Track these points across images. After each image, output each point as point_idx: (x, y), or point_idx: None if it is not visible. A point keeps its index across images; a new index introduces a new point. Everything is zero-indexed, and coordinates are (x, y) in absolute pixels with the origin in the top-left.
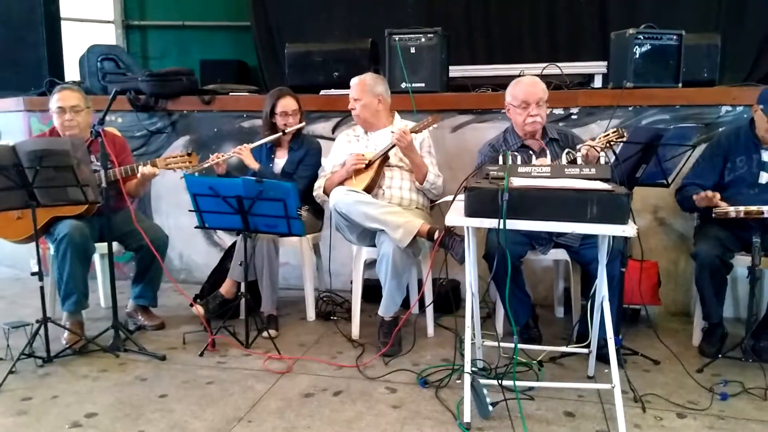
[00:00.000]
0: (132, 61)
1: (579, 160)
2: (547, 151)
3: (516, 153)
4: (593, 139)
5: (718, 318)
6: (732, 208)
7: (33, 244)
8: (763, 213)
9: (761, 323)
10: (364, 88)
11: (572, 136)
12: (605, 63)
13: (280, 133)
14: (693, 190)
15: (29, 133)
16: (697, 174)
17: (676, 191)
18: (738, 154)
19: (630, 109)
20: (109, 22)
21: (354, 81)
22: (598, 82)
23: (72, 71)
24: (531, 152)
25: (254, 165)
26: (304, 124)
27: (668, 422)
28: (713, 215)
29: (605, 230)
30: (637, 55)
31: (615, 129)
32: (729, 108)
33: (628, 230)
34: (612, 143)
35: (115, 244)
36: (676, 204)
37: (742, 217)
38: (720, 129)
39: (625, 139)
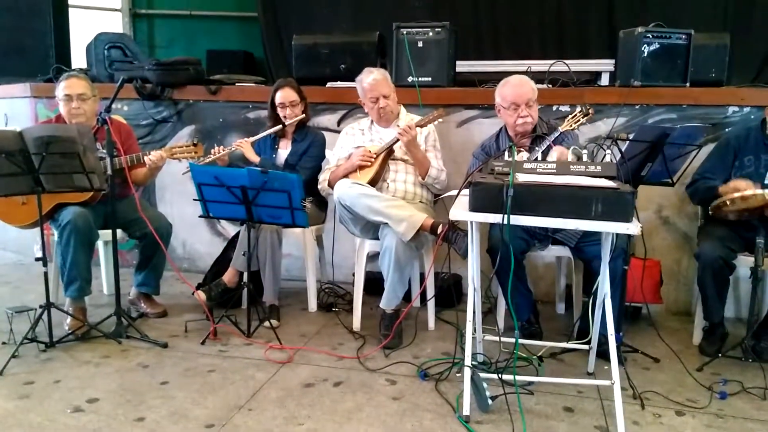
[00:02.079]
0: (139, 49)
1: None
2: (536, 151)
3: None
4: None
5: (719, 318)
6: (727, 197)
7: (37, 230)
8: (763, 198)
9: (762, 323)
10: (390, 83)
11: (555, 125)
12: (613, 61)
13: (280, 126)
14: (704, 183)
15: (35, 120)
16: (707, 169)
17: (687, 186)
18: (747, 153)
19: (637, 107)
20: (116, 10)
21: (377, 77)
22: (605, 80)
23: (79, 58)
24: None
25: (255, 158)
26: (304, 116)
27: (667, 420)
28: (709, 212)
29: (609, 228)
30: (646, 54)
31: (581, 109)
32: (736, 108)
33: (632, 228)
34: (581, 124)
35: (118, 232)
36: (681, 203)
37: (739, 206)
38: (727, 129)
39: (591, 114)
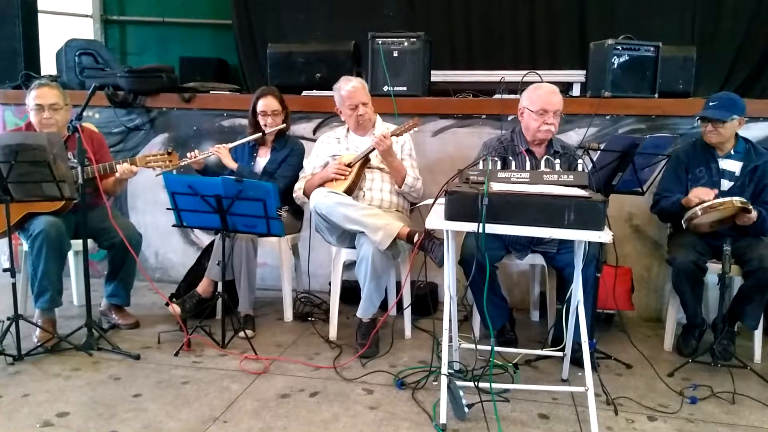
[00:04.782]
0: (111, 56)
1: None
2: (553, 162)
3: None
4: None
5: (699, 317)
6: (698, 207)
7: (5, 240)
8: (731, 204)
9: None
10: (367, 91)
11: (573, 152)
12: (584, 72)
13: (260, 134)
14: (667, 200)
15: (4, 127)
16: (665, 188)
17: (651, 207)
18: (697, 165)
19: (607, 117)
20: (87, 16)
21: (356, 85)
22: (576, 91)
23: (48, 65)
24: (535, 158)
25: (232, 164)
26: (284, 126)
27: (639, 425)
28: (683, 224)
29: (582, 236)
30: (616, 65)
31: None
32: None
33: (604, 236)
34: None
35: (89, 242)
36: (651, 213)
37: (708, 215)
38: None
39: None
